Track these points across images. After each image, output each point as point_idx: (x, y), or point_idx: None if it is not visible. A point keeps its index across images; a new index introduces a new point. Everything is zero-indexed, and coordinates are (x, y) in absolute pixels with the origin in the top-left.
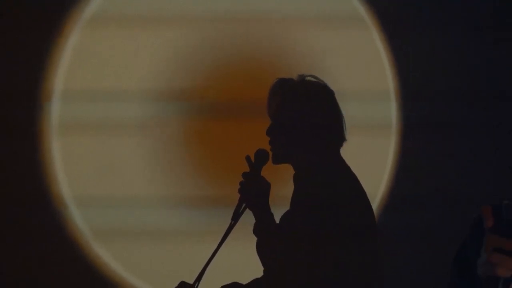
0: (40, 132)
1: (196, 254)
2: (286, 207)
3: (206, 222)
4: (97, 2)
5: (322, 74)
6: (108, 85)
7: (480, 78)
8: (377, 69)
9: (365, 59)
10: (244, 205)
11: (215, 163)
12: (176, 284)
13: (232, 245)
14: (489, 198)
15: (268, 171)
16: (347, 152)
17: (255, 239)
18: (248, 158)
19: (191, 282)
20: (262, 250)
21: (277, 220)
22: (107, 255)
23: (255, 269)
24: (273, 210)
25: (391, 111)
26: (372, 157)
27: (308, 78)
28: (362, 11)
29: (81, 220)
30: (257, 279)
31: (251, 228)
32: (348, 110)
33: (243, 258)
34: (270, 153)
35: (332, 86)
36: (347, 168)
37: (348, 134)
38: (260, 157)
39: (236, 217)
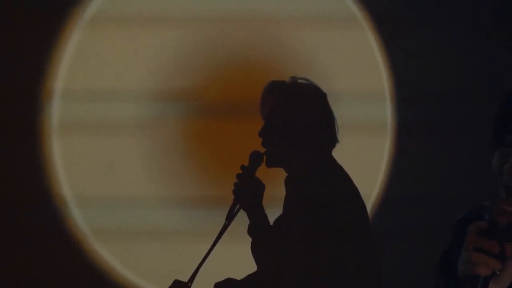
0: (41, 132)
1: (195, 253)
2: (280, 208)
3: (206, 222)
4: (98, 3)
5: (319, 74)
6: (108, 85)
7: (478, 78)
8: (372, 69)
9: (360, 59)
10: (238, 206)
11: (215, 163)
12: (175, 285)
13: (226, 245)
14: (487, 198)
15: (262, 173)
16: (343, 152)
17: (249, 239)
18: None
19: (187, 281)
20: (256, 251)
21: (271, 222)
22: (108, 255)
23: (249, 268)
24: (267, 211)
25: (386, 111)
26: (367, 157)
27: (300, 80)
28: (356, 11)
29: (81, 220)
30: (251, 274)
31: (245, 228)
32: (343, 110)
33: (237, 257)
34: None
35: (328, 86)
36: (341, 168)
37: (342, 135)
38: (255, 159)
39: (230, 218)
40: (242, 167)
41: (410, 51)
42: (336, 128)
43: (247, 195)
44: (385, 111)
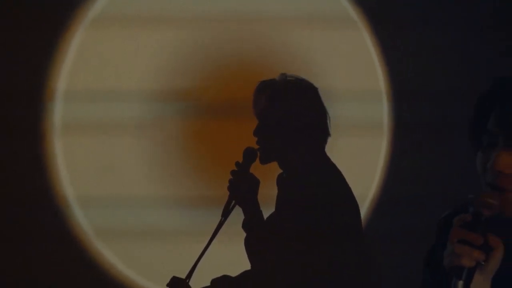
0: (43, 132)
1: (195, 253)
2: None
3: (206, 222)
4: (100, 4)
5: (317, 74)
6: (110, 85)
7: (478, 78)
8: (369, 70)
9: (357, 60)
10: (233, 202)
11: (215, 163)
12: (175, 283)
13: (224, 242)
14: None
15: (257, 170)
16: (340, 153)
17: (245, 235)
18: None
19: (184, 277)
20: (250, 245)
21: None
22: (108, 254)
23: (245, 265)
24: (261, 207)
25: (383, 111)
26: (364, 157)
27: (290, 77)
28: (353, 11)
29: (82, 220)
30: (246, 271)
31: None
32: (341, 110)
33: (235, 254)
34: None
35: (326, 86)
36: (335, 167)
37: (339, 135)
38: (249, 155)
39: (226, 214)
40: (237, 163)
41: (408, 51)
42: (329, 121)
43: (242, 191)
44: (382, 111)
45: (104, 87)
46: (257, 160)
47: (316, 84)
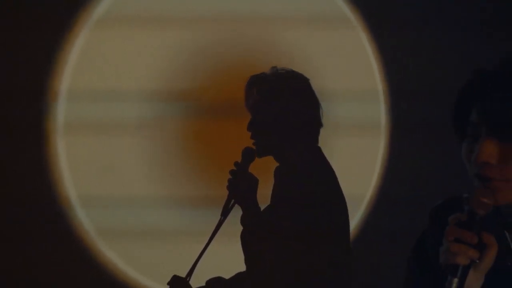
0: (46, 132)
1: (196, 253)
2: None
3: (206, 222)
4: (102, 5)
5: (315, 75)
6: (111, 85)
7: None
8: (366, 69)
9: (354, 59)
10: (232, 201)
11: (215, 163)
12: (175, 282)
13: (224, 241)
14: None
15: (256, 169)
16: (337, 152)
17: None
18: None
19: (185, 276)
20: (246, 241)
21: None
22: (109, 254)
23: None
24: (260, 205)
25: (381, 111)
26: (362, 157)
27: (281, 70)
28: (350, 12)
29: (83, 219)
30: (239, 273)
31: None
32: (338, 110)
33: (234, 253)
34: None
35: (324, 87)
36: (327, 163)
37: (337, 135)
38: (247, 155)
39: (225, 213)
40: (236, 163)
41: (406, 51)
42: (321, 112)
43: (241, 190)
44: (379, 111)
45: (106, 87)
46: (256, 159)
47: (315, 86)
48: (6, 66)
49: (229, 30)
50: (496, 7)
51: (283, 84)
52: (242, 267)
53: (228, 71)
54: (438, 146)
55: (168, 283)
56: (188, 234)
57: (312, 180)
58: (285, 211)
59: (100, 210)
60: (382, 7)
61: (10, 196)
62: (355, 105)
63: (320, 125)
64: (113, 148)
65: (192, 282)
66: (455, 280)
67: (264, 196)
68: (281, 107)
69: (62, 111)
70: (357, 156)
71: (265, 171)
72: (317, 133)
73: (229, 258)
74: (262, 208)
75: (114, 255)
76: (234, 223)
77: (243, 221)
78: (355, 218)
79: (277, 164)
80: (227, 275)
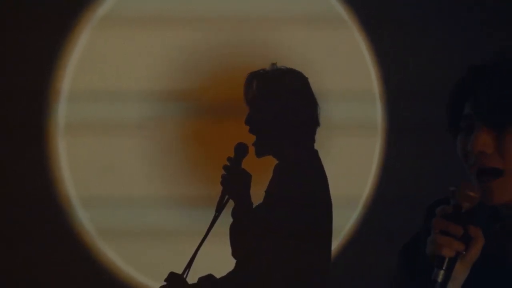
0: (47, 132)
1: (201, 253)
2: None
3: (206, 222)
4: (103, 5)
5: (313, 75)
6: (113, 85)
7: None
8: (362, 70)
9: (351, 60)
10: (226, 197)
11: (216, 163)
12: (172, 279)
13: (220, 237)
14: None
15: (250, 165)
16: (334, 153)
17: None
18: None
19: (181, 272)
20: (234, 233)
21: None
22: (109, 253)
23: None
24: (253, 201)
25: (377, 112)
26: (358, 157)
27: (280, 67)
28: (346, 12)
29: (83, 219)
30: (231, 272)
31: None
32: (334, 111)
33: (229, 250)
34: (251, 147)
35: (321, 87)
36: (323, 168)
37: (334, 135)
38: (240, 150)
39: (219, 209)
40: (229, 158)
41: (402, 51)
42: (318, 111)
43: (235, 185)
44: (376, 112)
45: (106, 87)
46: (248, 155)
47: (312, 86)
48: (7, 66)
49: (230, 31)
50: (496, 7)
51: (282, 81)
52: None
53: (228, 71)
54: (434, 146)
55: (165, 280)
56: (188, 234)
57: (308, 181)
58: (279, 208)
59: (100, 210)
60: (381, 7)
61: (10, 196)
62: (352, 105)
63: (317, 124)
64: (114, 148)
65: (189, 278)
66: (441, 272)
67: (257, 195)
68: (280, 104)
69: (62, 111)
70: (354, 156)
71: (259, 170)
72: (314, 132)
73: (225, 254)
74: (255, 205)
75: (114, 255)
76: (230, 220)
77: (234, 214)
78: (352, 218)
79: (277, 162)
80: (224, 272)
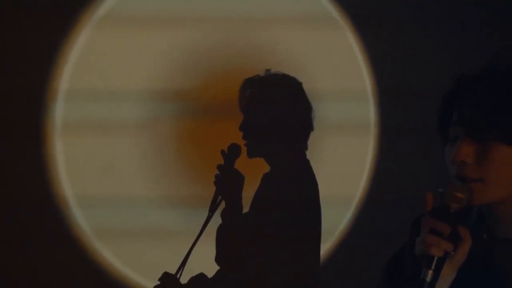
0: (45, 132)
1: (195, 253)
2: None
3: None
4: (103, 5)
5: (311, 75)
6: (110, 85)
7: None
8: (355, 70)
9: (343, 60)
10: (220, 197)
11: (215, 163)
12: (166, 279)
13: (213, 236)
14: None
15: (243, 167)
16: (327, 153)
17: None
18: (223, 151)
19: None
20: (222, 235)
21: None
22: (108, 254)
23: None
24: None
25: (370, 111)
26: (351, 157)
27: (274, 73)
28: (340, 13)
29: (82, 220)
30: (219, 270)
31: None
32: (328, 111)
33: None
34: (244, 148)
35: (318, 87)
36: (314, 176)
37: (326, 135)
38: (233, 151)
39: (213, 209)
40: (222, 151)
41: (395, 51)
42: (313, 116)
43: (227, 184)
44: (369, 112)
45: (105, 87)
46: (241, 157)
47: (305, 86)
48: (6, 66)
49: (230, 31)
50: (496, 7)
51: (276, 86)
52: None
53: (227, 71)
54: (428, 147)
55: (159, 279)
56: (186, 235)
57: (297, 186)
58: (267, 213)
59: (99, 210)
60: (374, 7)
61: (9, 196)
62: (345, 105)
63: (311, 128)
64: (113, 148)
65: (183, 278)
66: (430, 272)
67: (249, 198)
68: (274, 109)
69: (61, 111)
70: (347, 157)
71: (251, 170)
72: (307, 137)
73: None
74: (244, 211)
75: (112, 255)
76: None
77: (223, 215)
78: (345, 218)
79: (266, 171)
80: (214, 270)
